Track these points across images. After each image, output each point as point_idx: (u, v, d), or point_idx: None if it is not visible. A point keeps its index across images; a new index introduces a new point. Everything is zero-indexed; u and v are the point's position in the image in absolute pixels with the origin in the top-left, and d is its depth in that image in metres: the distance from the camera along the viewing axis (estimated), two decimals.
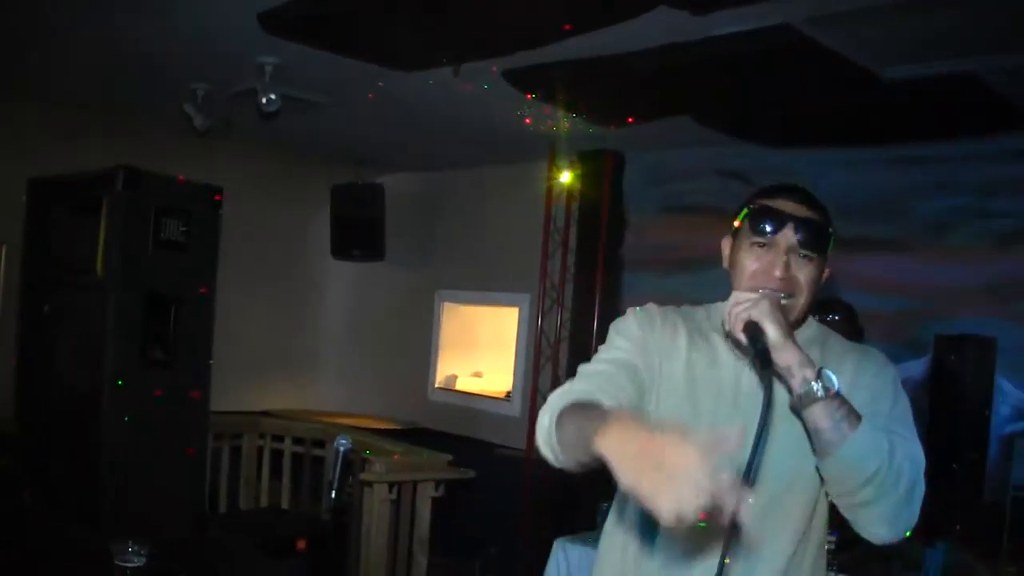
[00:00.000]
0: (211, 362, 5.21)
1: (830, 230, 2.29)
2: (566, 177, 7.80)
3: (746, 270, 2.23)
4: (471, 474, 6.23)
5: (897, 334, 6.01)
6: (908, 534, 2.07)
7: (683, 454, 1.48)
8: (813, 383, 1.97)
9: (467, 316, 9.38)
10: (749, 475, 1.78)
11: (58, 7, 5.24)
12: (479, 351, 9.40)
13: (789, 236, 2.19)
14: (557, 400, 2.13)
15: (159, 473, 4.93)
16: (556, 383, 6.77)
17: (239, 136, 7.97)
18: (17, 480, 5.43)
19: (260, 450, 7.29)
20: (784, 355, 1.98)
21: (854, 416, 1.99)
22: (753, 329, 2.01)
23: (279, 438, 7.28)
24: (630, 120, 6.47)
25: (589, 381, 2.21)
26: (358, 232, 9.05)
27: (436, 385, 9.27)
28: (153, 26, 5.47)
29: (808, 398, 1.97)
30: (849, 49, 4.87)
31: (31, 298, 5.47)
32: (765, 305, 2.03)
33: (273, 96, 5.93)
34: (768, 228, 2.20)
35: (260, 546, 5.37)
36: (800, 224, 2.19)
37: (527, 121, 6.79)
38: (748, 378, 2.24)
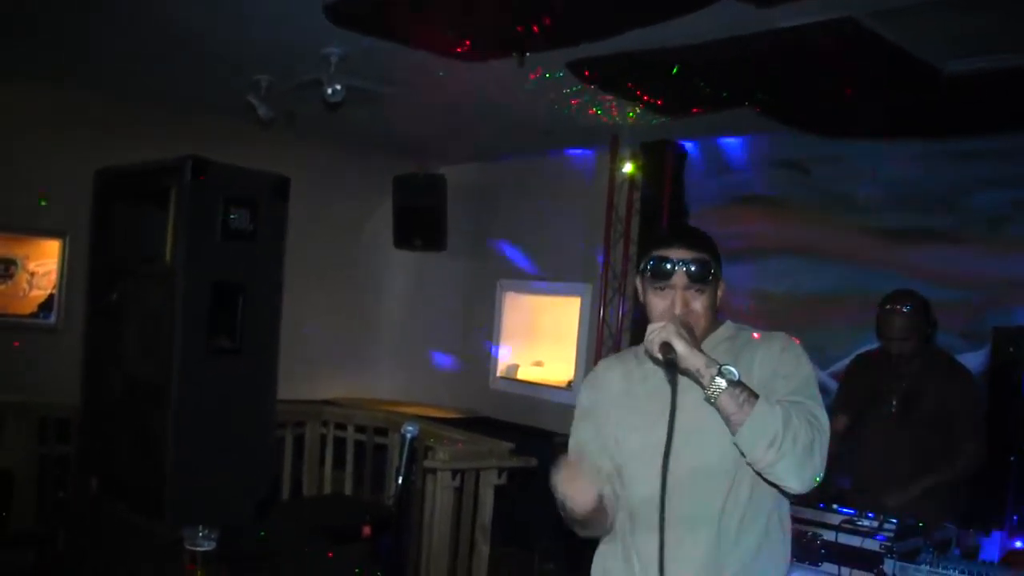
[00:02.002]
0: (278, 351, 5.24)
1: (716, 261, 2.70)
2: (628, 167, 7.80)
3: (655, 309, 2.69)
4: (533, 462, 6.22)
5: (955, 325, 5.96)
6: (817, 481, 2.49)
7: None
8: (716, 379, 2.43)
9: (529, 306, 9.40)
10: (667, 453, 2.39)
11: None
12: (540, 340, 9.42)
13: (682, 278, 2.64)
14: None
15: (224, 461, 4.96)
16: None
17: (302, 127, 8.03)
18: (85, 468, 5.51)
19: (323, 438, 7.30)
20: (691, 361, 2.46)
21: (753, 397, 2.44)
22: (666, 348, 2.46)
23: (342, 426, 7.29)
24: (695, 110, 6.45)
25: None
26: (420, 222, 9.10)
27: (498, 374, 9.31)
28: (218, 17, 5.55)
29: (714, 391, 2.44)
30: (911, 43, 4.87)
31: (98, 288, 5.52)
32: (671, 328, 2.49)
33: (338, 87, 5.99)
34: (664, 276, 2.65)
35: (325, 532, 5.41)
36: (689, 265, 2.63)
37: (591, 111, 6.80)
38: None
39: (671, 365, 2.46)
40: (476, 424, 8.18)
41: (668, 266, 2.64)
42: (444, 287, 9.85)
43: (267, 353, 5.18)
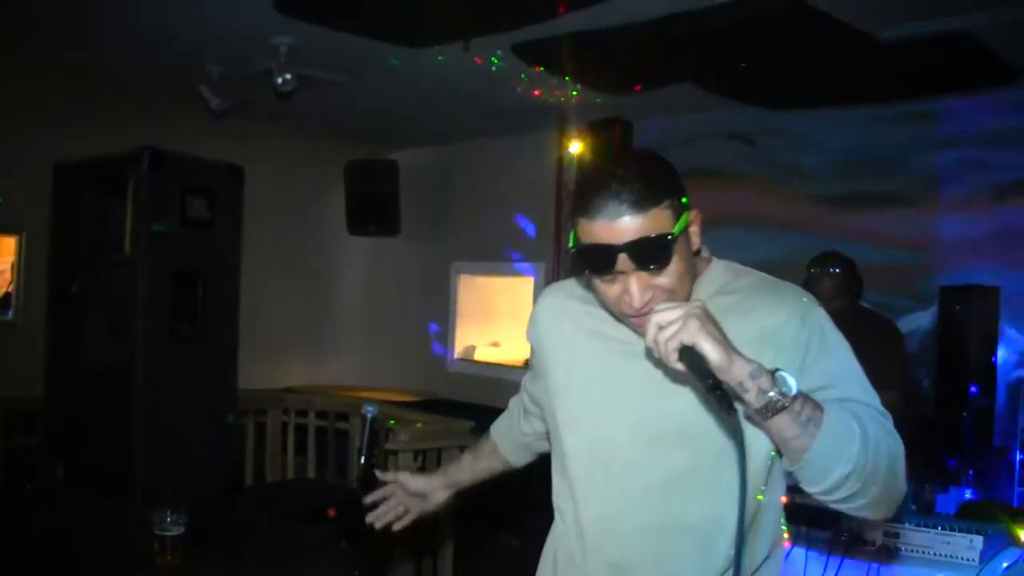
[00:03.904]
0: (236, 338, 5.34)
1: (673, 202, 1.92)
2: (576, 147, 7.90)
3: (606, 297, 1.97)
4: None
5: (903, 287, 6.14)
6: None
7: None
8: (771, 393, 1.72)
9: (483, 287, 9.51)
10: (742, 528, 1.70)
11: None
12: (496, 321, 9.53)
13: (628, 264, 1.86)
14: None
15: (190, 446, 5.05)
16: None
17: (254, 114, 8.09)
18: (50, 457, 5.58)
19: (284, 425, 7.38)
20: (732, 372, 1.72)
21: (818, 410, 1.76)
22: (691, 355, 1.72)
23: (303, 413, 7.36)
24: (637, 88, 6.58)
25: (506, 417, 2.75)
26: (373, 207, 9.16)
27: (455, 356, 9.42)
28: (168, 6, 5.60)
29: (769, 410, 1.72)
30: (846, 12, 4.98)
31: (59, 278, 5.59)
32: (693, 325, 1.72)
33: (289, 76, 6.07)
34: (602, 268, 1.89)
35: (291, 514, 5.51)
36: (632, 249, 1.84)
37: (536, 93, 6.90)
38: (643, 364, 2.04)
39: (716, 385, 1.70)
40: (435, 406, 8.26)
41: (603, 257, 1.87)
42: (399, 271, 9.94)
43: (227, 340, 5.28)
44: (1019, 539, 3.80)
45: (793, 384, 1.71)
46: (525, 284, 8.81)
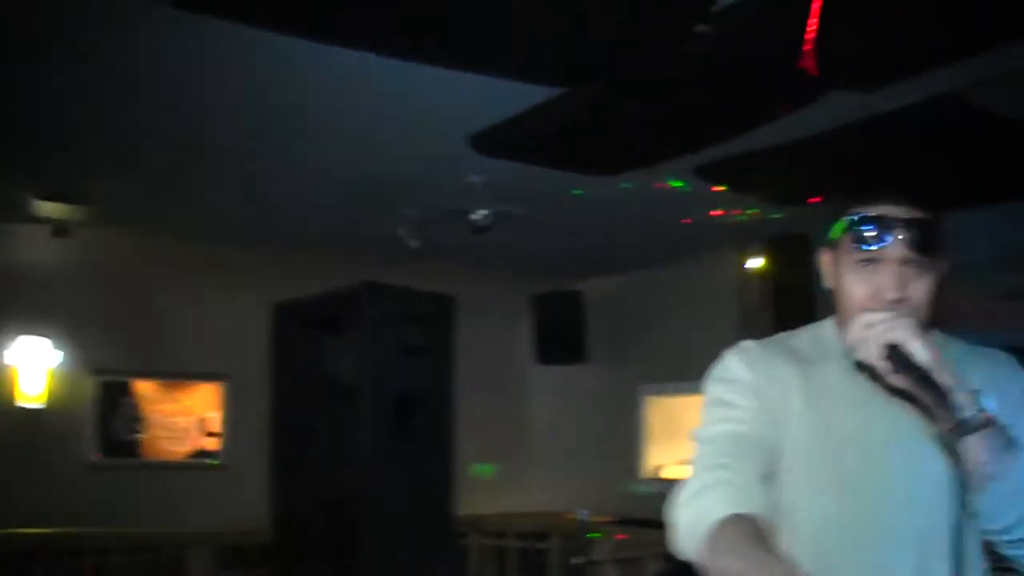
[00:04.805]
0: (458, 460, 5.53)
1: (941, 227, 1.89)
2: (756, 262, 8.06)
3: (852, 296, 1.91)
4: None
5: None
6: None
7: None
8: (970, 411, 1.65)
9: (669, 408, 9.61)
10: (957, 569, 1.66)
11: (289, 147, 5.89)
12: (684, 440, 9.55)
13: (899, 248, 1.83)
14: (697, 500, 1.88)
15: (417, 565, 5.24)
16: None
17: (444, 249, 8.39)
18: None
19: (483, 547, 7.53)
20: (938, 377, 1.67)
21: (1012, 443, 1.70)
22: (898, 353, 1.70)
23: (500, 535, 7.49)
24: (811, 201, 6.70)
25: (719, 471, 1.92)
26: (560, 337, 9.45)
27: (642, 475, 9.54)
28: (369, 158, 6.03)
29: (967, 427, 1.65)
30: (1010, 108, 5.07)
31: (283, 412, 5.94)
32: (904, 322, 1.73)
33: (486, 212, 6.41)
34: (871, 240, 1.84)
35: None
36: (911, 229, 1.83)
37: (715, 213, 7.12)
38: (884, 412, 1.93)
39: (925, 379, 1.67)
40: (626, 526, 8.37)
41: (879, 228, 1.83)
42: (586, 396, 10.13)
43: (446, 459, 5.53)
44: None
45: (992, 406, 1.67)
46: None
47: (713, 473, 1.91)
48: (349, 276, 5.56)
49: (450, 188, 6.51)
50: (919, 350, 1.68)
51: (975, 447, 1.65)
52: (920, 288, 1.85)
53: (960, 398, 1.64)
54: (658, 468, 9.54)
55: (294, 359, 5.92)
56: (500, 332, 10.04)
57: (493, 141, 5.52)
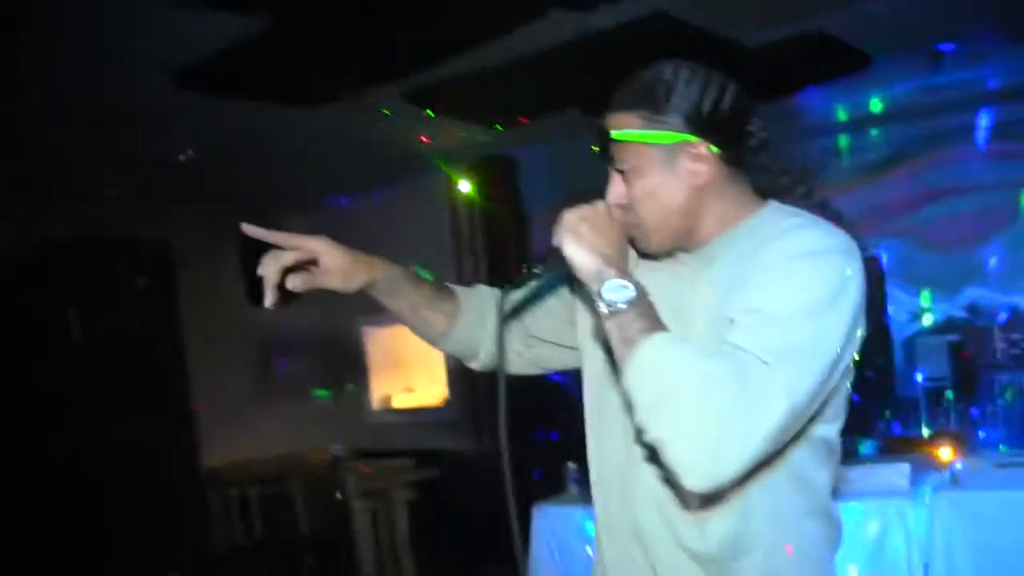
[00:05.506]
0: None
1: (609, 132, 1.95)
2: (466, 187, 8.10)
3: None
4: (435, 472, 6.47)
5: None
6: (731, 478, 1.61)
7: None
8: (601, 295, 1.74)
9: (391, 338, 9.65)
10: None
11: None
12: (408, 368, 9.65)
13: (605, 155, 1.96)
14: None
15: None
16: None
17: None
18: None
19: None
20: (583, 270, 1.83)
21: (650, 330, 1.69)
22: (554, 252, 1.90)
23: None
24: (522, 120, 6.80)
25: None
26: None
27: (372, 407, 9.60)
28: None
29: (602, 315, 1.76)
30: (718, 23, 5.31)
31: None
32: (570, 218, 1.88)
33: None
34: (594, 153, 1.98)
35: None
36: (600, 138, 1.96)
37: (422, 139, 7.12)
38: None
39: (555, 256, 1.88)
40: (361, 459, 8.38)
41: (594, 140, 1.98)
42: (306, 335, 10.02)
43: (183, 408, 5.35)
44: (940, 460, 4.19)
45: (619, 298, 1.72)
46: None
47: None
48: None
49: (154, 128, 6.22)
50: (568, 244, 1.83)
51: (610, 334, 1.74)
52: (615, 191, 1.95)
53: (595, 286, 1.77)
54: (387, 398, 9.59)
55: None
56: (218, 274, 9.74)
57: (196, 77, 5.35)
